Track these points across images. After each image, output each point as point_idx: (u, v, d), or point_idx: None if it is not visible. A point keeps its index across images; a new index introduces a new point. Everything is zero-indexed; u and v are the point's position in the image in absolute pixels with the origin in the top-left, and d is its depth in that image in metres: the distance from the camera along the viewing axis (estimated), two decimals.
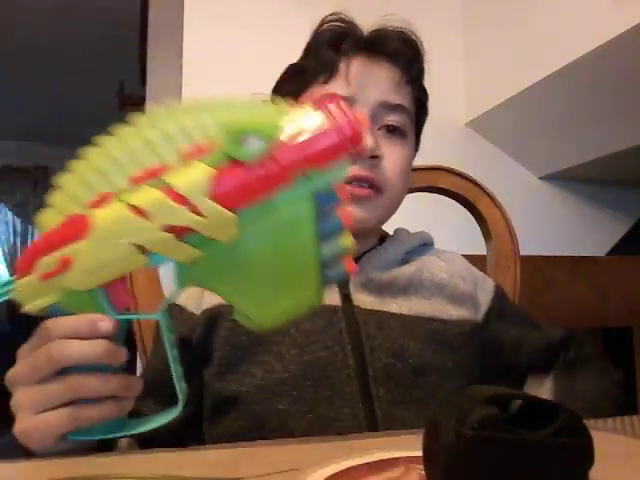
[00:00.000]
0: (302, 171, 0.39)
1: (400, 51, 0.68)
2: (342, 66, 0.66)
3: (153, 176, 0.39)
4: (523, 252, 0.92)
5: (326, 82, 0.66)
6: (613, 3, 1.25)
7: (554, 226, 1.92)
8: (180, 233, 0.39)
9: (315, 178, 0.39)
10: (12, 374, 0.44)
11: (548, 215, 1.94)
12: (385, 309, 0.65)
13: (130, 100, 2.80)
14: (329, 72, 0.66)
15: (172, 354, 0.45)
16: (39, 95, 4.51)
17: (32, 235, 5.67)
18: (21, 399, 0.43)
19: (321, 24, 0.71)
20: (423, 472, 0.33)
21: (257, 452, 0.48)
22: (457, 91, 1.76)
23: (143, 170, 0.40)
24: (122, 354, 0.44)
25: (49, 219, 0.42)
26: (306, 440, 0.53)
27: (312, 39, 0.71)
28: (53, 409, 0.42)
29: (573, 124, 1.66)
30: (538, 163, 1.92)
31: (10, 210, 5.65)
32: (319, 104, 0.40)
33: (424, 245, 0.74)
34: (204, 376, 0.64)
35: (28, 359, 0.43)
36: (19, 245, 5.64)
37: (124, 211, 0.39)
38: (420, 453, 0.33)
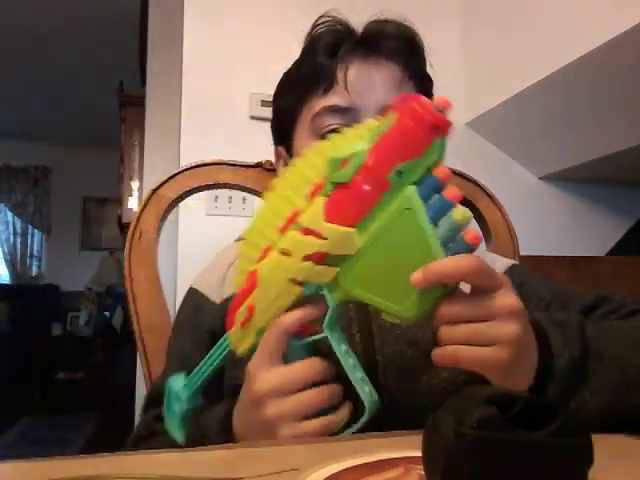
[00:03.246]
0: (391, 169, 0.42)
1: (397, 47, 0.66)
2: (340, 74, 0.64)
3: (291, 222, 0.47)
4: (523, 252, 0.92)
5: (325, 93, 0.65)
6: (613, 3, 1.25)
7: (554, 226, 1.92)
8: (318, 259, 0.46)
9: (409, 171, 0.42)
10: (252, 364, 0.48)
11: (548, 215, 1.94)
12: None
13: (130, 100, 2.80)
14: (327, 82, 0.65)
15: (349, 365, 0.48)
16: (39, 95, 4.51)
17: (32, 235, 5.67)
18: (282, 409, 0.46)
19: (313, 27, 0.70)
20: (423, 472, 0.33)
21: (257, 452, 0.48)
22: (457, 91, 1.76)
23: (285, 220, 0.48)
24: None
25: (238, 281, 0.52)
26: (306, 440, 0.53)
27: (307, 45, 0.69)
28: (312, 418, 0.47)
29: (573, 124, 1.66)
30: (538, 163, 1.92)
31: (10, 210, 5.65)
32: (398, 105, 0.43)
33: None
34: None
35: (261, 346, 0.48)
36: (19, 245, 5.64)
37: (276, 256, 0.48)
38: (420, 453, 0.33)
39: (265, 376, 0.47)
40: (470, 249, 0.43)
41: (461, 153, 1.65)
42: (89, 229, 5.79)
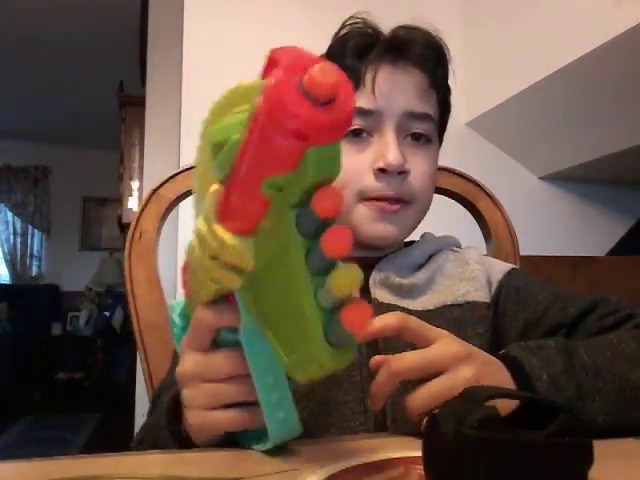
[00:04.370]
0: (261, 180, 0.29)
1: (426, 56, 0.67)
2: (368, 77, 0.65)
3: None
4: (523, 252, 0.92)
5: None
6: (613, 3, 1.25)
7: (554, 226, 1.92)
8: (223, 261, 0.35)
9: (285, 187, 0.29)
10: (182, 343, 0.46)
11: (548, 215, 1.94)
12: (404, 305, 0.66)
13: (130, 100, 2.80)
14: (354, 82, 0.65)
15: (262, 382, 0.40)
16: (39, 95, 4.51)
17: (32, 235, 5.67)
18: (192, 395, 0.44)
19: (342, 27, 0.70)
20: (423, 472, 0.33)
21: (257, 452, 0.48)
22: (457, 91, 1.76)
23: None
24: None
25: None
26: (306, 440, 0.53)
27: (336, 45, 0.69)
28: (222, 409, 0.44)
29: (573, 124, 1.66)
30: (538, 163, 1.92)
31: (10, 210, 5.65)
32: (264, 74, 0.29)
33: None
34: None
35: (189, 328, 0.45)
36: (19, 245, 5.64)
37: (192, 241, 0.39)
38: (420, 453, 0.33)
39: (186, 358, 0.45)
40: (347, 338, 0.31)
41: (461, 153, 1.65)
42: (89, 229, 5.79)
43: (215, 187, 0.33)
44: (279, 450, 0.44)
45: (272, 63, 0.28)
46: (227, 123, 0.31)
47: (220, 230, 0.33)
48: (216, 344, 0.43)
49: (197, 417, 0.44)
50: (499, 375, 0.46)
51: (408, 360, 0.45)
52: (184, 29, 1.68)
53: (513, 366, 0.47)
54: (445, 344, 0.45)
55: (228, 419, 0.43)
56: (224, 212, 0.33)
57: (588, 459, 0.31)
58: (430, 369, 0.44)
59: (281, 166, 0.28)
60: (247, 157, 0.29)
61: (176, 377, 0.46)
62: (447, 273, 0.69)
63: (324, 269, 0.30)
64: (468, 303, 0.66)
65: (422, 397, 0.44)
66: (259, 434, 0.43)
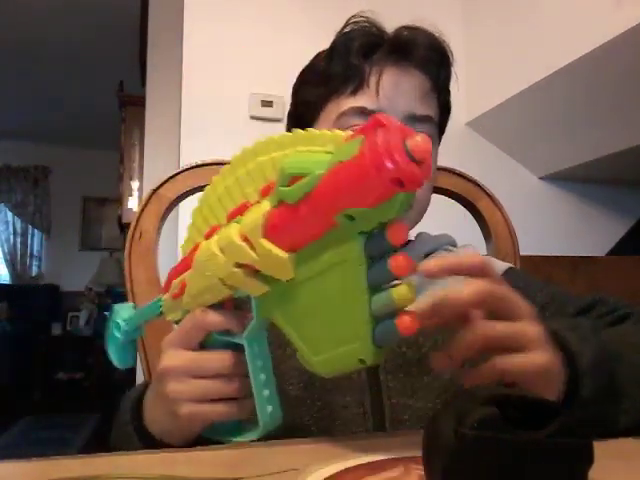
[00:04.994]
0: (340, 210, 0.35)
1: (429, 59, 0.67)
2: (372, 77, 0.65)
3: (240, 213, 0.43)
4: (523, 252, 0.92)
5: (354, 93, 0.65)
6: (613, 3, 1.25)
7: (554, 226, 1.92)
8: (249, 269, 0.41)
9: (360, 219, 0.35)
10: (167, 340, 0.48)
11: (548, 215, 1.94)
12: None
13: (130, 100, 2.80)
14: (357, 83, 0.65)
15: (257, 380, 0.45)
16: (39, 95, 4.51)
17: (32, 235, 5.67)
18: (181, 389, 0.46)
19: (346, 25, 0.70)
20: (423, 472, 0.33)
21: (257, 452, 0.48)
22: (457, 91, 1.76)
23: (235, 205, 0.44)
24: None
25: (186, 246, 0.49)
26: (306, 440, 0.53)
27: (339, 43, 0.69)
28: (208, 402, 0.47)
29: (573, 124, 1.66)
30: (538, 163, 1.92)
31: (10, 210, 5.65)
32: (368, 129, 0.34)
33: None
34: None
35: (180, 327, 0.48)
36: (19, 245, 5.64)
37: (211, 248, 0.43)
38: (420, 453, 0.33)
39: (174, 354, 0.47)
40: (395, 336, 0.37)
41: (461, 153, 1.65)
42: (89, 229, 5.79)
43: (267, 209, 0.39)
44: (279, 450, 0.44)
45: (376, 123, 0.34)
46: (305, 160, 0.37)
47: (267, 244, 0.39)
48: (201, 344, 0.47)
49: (186, 409, 0.46)
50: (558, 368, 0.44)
51: (500, 328, 0.42)
52: (184, 29, 1.69)
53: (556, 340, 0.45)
54: (532, 324, 0.43)
55: (217, 411, 0.46)
56: (278, 229, 0.39)
57: (588, 459, 0.31)
58: (514, 343, 0.42)
59: (367, 202, 0.34)
60: (331, 189, 0.35)
61: (159, 372, 0.47)
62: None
63: (384, 283, 0.37)
64: None
65: (492, 370, 0.42)
66: (236, 426, 0.48)
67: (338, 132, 0.37)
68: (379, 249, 0.36)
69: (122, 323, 0.54)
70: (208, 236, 0.46)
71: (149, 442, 0.50)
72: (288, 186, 0.37)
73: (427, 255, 0.71)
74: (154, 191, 0.82)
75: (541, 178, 1.96)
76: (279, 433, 0.47)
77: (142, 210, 0.81)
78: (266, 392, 0.45)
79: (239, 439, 0.48)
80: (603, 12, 1.30)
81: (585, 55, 1.35)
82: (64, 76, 4.15)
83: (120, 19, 3.24)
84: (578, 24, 1.38)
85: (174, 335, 0.48)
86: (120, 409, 0.58)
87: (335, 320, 0.39)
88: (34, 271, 5.65)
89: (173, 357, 0.47)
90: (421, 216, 0.70)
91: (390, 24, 0.70)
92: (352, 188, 0.34)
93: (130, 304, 0.56)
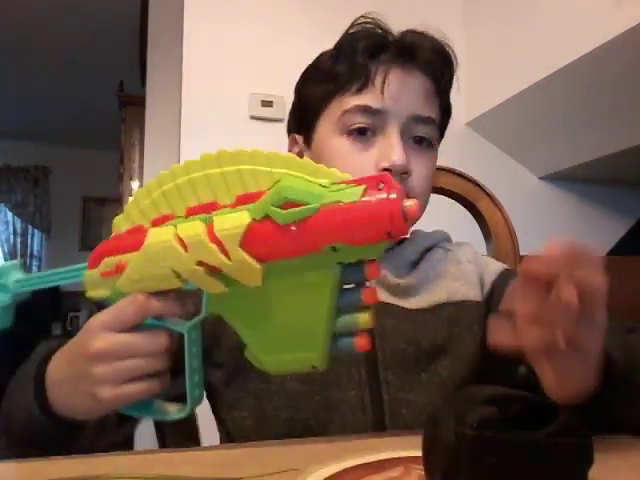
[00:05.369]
0: (330, 242, 0.40)
1: (434, 62, 0.68)
2: (378, 77, 0.66)
3: (205, 211, 0.44)
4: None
5: (359, 91, 0.66)
6: (613, 3, 1.25)
7: (554, 226, 1.92)
8: (211, 269, 0.43)
9: (343, 252, 0.40)
10: (99, 321, 0.48)
11: (548, 215, 1.94)
12: (399, 304, 0.67)
13: (130, 100, 2.80)
14: (363, 82, 0.66)
15: (190, 366, 0.47)
16: (39, 95, 4.51)
17: (32, 235, 5.67)
18: (105, 372, 0.46)
19: (352, 25, 0.70)
20: (423, 472, 0.33)
21: (257, 452, 0.48)
22: (457, 91, 1.76)
23: (198, 203, 0.45)
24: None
25: (120, 223, 0.49)
26: (306, 440, 0.53)
27: (345, 43, 0.69)
28: (132, 381, 0.47)
29: (573, 124, 1.66)
30: (538, 163, 1.92)
31: (10, 210, 5.65)
32: (370, 181, 0.39)
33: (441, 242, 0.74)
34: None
35: (117, 310, 0.47)
36: (19, 245, 5.64)
37: (170, 239, 0.44)
38: (420, 453, 0.33)
39: (107, 336, 0.47)
40: (351, 351, 0.42)
41: (461, 153, 1.65)
42: (89, 229, 5.79)
43: (247, 221, 0.41)
44: (279, 450, 0.44)
45: (379, 179, 0.39)
46: (303, 190, 0.40)
47: (242, 253, 0.41)
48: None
49: (110, 392, 0.46)
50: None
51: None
52: (184, 29, 1.69)
53: None
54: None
55: (140, 390, 0.47)
56: (257, 242, 0.41)
57: (588, 459, 0.31)
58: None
59: (356, 242, 0.39)
60: (327, 223, 0.39)
61: (91, 354, 0.47)
62: (440, 272, 0.70)
63: (352, 307, 0.42)
64: (461, 302, 0.67)
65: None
66: (150, 402, 0.49)
67: (335, 170, 0.42)
68: (353, 279, 0.41)
69: (13, 284, 0.53)
70: (157, 223, 0.46)
71: (46, 411, 0.50)
72: (281, 207, 0.40)
73: (424, 253, 0.72)
74: None
75: (541, 178, 1.96)
76: (278, 426, 0.47)
77: None
78: (196, 377, 0.47)
79: (164, 418, 0.49)
80: (603, 12, 1.30)
81: (585, 55, 1.35)
82: (64, 76, 4.15)
83: (120, 19, 3.24)
84: (578, 24, 1.38)
85: (109, 317, 0.47)
86: (27, 362, 0.58)
87: (295, 329, 0.43)
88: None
89: (106, 338, 0.46)
90: (419, 216, 0.70)
91: (391, 24, 0.70)
92: (347, 229, 0.39)
93: (14, 262, 0.54)
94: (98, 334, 0.47)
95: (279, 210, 0.40)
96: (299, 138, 0.72)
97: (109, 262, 0.47)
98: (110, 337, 0.46)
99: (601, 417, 0.45)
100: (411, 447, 0.38)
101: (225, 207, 0.44)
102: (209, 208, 0.44)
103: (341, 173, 0.42)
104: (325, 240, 0.39)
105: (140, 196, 0.48)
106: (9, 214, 5.66)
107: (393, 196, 0.38)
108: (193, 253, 0.43)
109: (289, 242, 0.40)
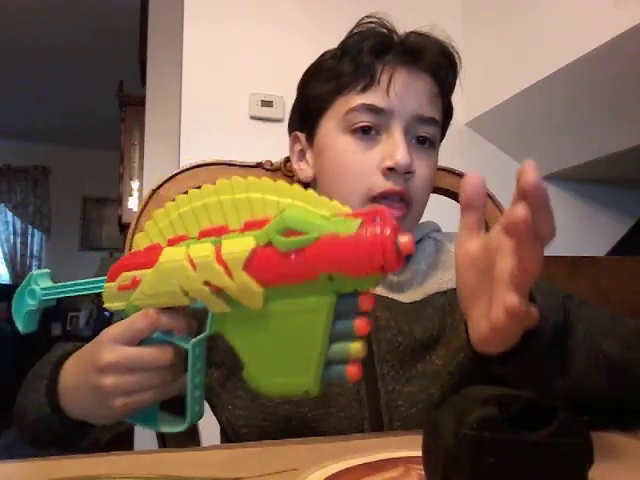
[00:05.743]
0: (326, 271, 0.41)
1: (439, 63, 0.69)
2: (384, 76, 0.66)
3: (216, 234, 0.47)
4: None
5: (364, 90, 0.66)
6: (613, 3, 1.25)
7: None
8: (216, 289, 0.45)
9: (339, 281, 0.41)
10: (110, 334, 0.49)
11: None
12: (394, 297, 0.67)
13: (130, 100, 2.80)
14: (368, 80, 0.66)
15: (193, 382, 0.48)
16: (39, 95, 4.51)
17: (32, 235, 5.67)
18: (117, 384, 0.48)
19: (357, 25, 0.70)
20: (423, 472, 0.33)
21: (257, 452, 0.48)
22: (457, 91, 1.76)
23: (211, 226, 0.48)
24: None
25: (140, 241, 0.52)
26: (306, 440, 0.53)
27: (350, 42, 0.69)
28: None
29: (573, 124, 1.66)
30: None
31: (10, 210, 5.65)
32: (368, 215, 0.41)
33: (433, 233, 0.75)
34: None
35: (129, 324, 0.49)
36: (19, 245, 5.64)
37: (182, 259, 0.46)
38: (420, 453, 0.33)
39: (117, 348, 0.48)
40: (342, 379, 0.43)
41: (461, 153, 1.65)
42: (89, 229, 5.79)
43: (251, 246, 0.43)
44: (279, 450, 0.44)
45: (376, 213, 0.41)
46: (305, 220, 0.42)
47: (246, 277, 0.43)
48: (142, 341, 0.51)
49: (122, 401, 0.48)
50: None
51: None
52: (184, 29, 1.68)
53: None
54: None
55: (148, 398, 0.49)
56: (260, 267, 0.43)
57: (588, 459, 0.31)
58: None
59: (351, 273, 0.41)
60: (324, 253, 0.41)
61: (101, 366, 0.48)
62: (431, 264, 0.71)
63: (344, 336, 0.43)
64: (452, 290, 0.67)
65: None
66: (153, 413, 0.52)
67: (337, 203, 0.43)
68: (347, 308, 0.43)
69: (40, 291, 0.55)
70: (172, 243, 0.49)
71: (56, 411, 0.52)
72: (283, 235, 0.43)
73: (416, 243, 0.72)
74: (154, 191, 0.82)
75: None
76: (277, 421, 0.47)
77: (142, 210, 0.81)
78: (197, 393, 0.49)
79: (165, 429, 0.51)
80: (603, 12, 1.30)
81: (585, 55, 1.35)
82: (64, 76, 4.15)
83: (120, 19, 3.24)
84: (578, 24, 1.38)
85: (120, 331, 0.49)
86: (42, 362, 0.59)
87: (291, 353, 0.44)
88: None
89: (116, 351, 0.48)
90: (420, 217, 0.71)
91: (391, 24, 0.70)
92: (343, 259, 0.40)
93: (47, 270, 0.58)
94: (108, 346, 0.49)
95: (281, 237, 0.42)
96: (301, 136, 0.72)
97: (126, 276, 0.50)
98: (120, 350, 0.48)
99: (530, 376, 0.47)
100: (411, 447, 0.38)
101: (234, 231, 0.46)
102: (220, 231, 0.47)
103: (342, 205, 0.43)
104: (322, 269, 0.41)
105: (159, 217, 0.51)
106: (9, 214, 5.66)
107: (387, 232, 0.39)
108: (201, 273, 0.45)
109: (288, 268, 0.42)
